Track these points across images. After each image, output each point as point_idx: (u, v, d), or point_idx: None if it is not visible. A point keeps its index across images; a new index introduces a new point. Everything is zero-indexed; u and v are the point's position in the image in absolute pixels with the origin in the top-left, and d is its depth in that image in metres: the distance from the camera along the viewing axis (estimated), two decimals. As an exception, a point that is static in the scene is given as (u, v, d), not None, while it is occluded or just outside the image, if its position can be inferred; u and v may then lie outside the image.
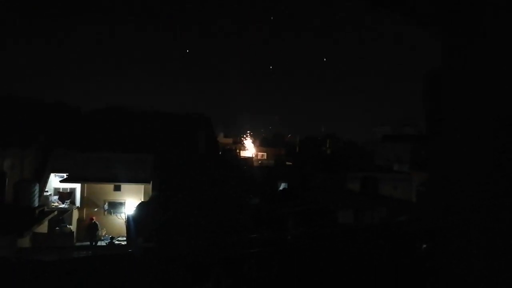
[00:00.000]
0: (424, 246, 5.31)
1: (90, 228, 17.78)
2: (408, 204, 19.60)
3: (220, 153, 32.75)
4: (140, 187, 19.47)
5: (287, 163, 35.60)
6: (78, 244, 17.54)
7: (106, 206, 19.27)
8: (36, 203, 16.34)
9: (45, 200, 18.53)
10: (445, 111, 1.86)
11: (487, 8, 1.62)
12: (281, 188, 26.46)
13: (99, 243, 17.46)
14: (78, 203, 19.44)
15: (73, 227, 18.47)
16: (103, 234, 18.27)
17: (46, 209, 17.47)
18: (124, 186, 19.39)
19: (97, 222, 17.91)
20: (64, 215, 18.44)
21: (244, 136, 58.00)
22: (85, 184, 19.36)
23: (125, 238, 16.78)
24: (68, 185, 19.78)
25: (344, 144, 38.24)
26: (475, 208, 1.65)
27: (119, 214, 19.07)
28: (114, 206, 19.30)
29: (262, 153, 52.57)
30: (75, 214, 19.06)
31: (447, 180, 1.81)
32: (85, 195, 19.43)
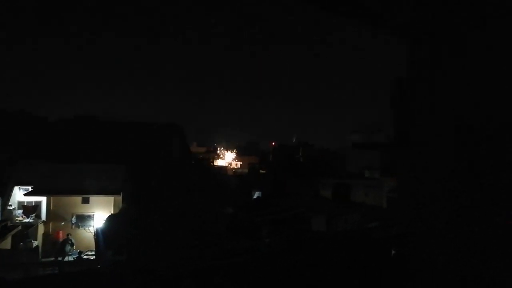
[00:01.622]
0: (394, 252, 5.39)
1: (62, 243, 17.14)
2: (379, 210, 19.99)
3: (193, 162, 32.38)
4: (110, 199, 18.92)
5: (261, 171, 35.65)
6: (44, 260, 16.81)
7: (74, 220, 18.59)
8: (-1, 218, 15.52)
9: (8, 214, 17.68)
10: (411, 119, 1.90)
11: (453, 21, 1.66)
12: (255, 196, 26.42)
13: (66, 259, 16.79)
14: (44, 217, 18.65)
15: (38, 242, 17.69)
16: (71, 249, 17.60)
17: (9, 224, 16.66)
18: (93, 198, 18.79)
19: (71, 239, 17.31)
20: (29, 230, 17.66)
21: (218, 145, 57.75)
22: (52, 197, 18.62)
23: (94, 252, 16.21)
24: (33, 198, 18.94)
25: (317, 151, 38.73)
26: (440, 213, 1.68)
27: (87, 228, 18.43)
28: (83, 219, 18.65)
29: (236, 162, 52.45)
30: (41, 229, 18.28)
31: (413, 186, 1.85)
32: (51, 208, 18.68)
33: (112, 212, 18.00)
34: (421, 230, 1.78)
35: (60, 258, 16.62)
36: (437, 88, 1.74)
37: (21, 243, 16.76)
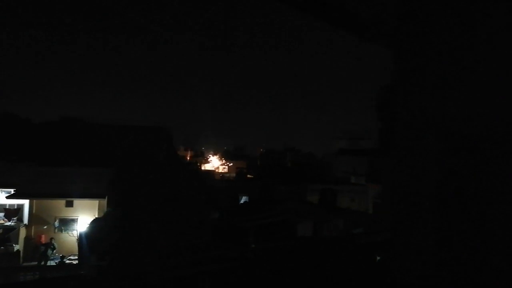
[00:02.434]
0: (378, 258, 5.44)
1: (45, 248, 16.81)
2: (364, 216, 20.16)
3: (180, 166, 32.16)
4: (95, 203, 18.64)
5: (248, 176, 35.62)
6: (25, 264, 16.44)
7: (57, 223, 18.25)
8: (-22, 222, 15.14)
9: (-11, 217, 17.28)
10: (395, 127, 1.93)
11: (437, 31, 1.70)
12: (242, 201, 26.38)
13: (48, 263, 16.46)
14: (26, 220, 18.27)
15: (20, 246, 17.31)
16: (52, 253, 17.27)
17: (-11, 227, 16.28)
18: (77, 202, 18.49)
19: (54, 243, 16.98)
20: (10, 233, 17.26)
21: (205, 149, 57.52)
22: (34, 200, 18.26)
23: (76, 257, 15.93)
24: (16, 201, 18.55)
25: (304, 156, 38.90)
26: (423, 220, 1.70)
27: (71, 232, 18.11)
28: (66, 223, 18.32)
29: (223, 166, 52.29)
30: (23, 232, 17.89)
31: (396, 193, 1.86)
32: (34, 211, 18.31)
33: (97, 216, 17.74)
34: (403, 236, 1.79)
35: (42, 263, 16.28)
36: (420, 97, 1.77)
37: (2, 247, 16.38)
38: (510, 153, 1.43)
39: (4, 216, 18.20)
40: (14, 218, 18.17)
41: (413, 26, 1.81)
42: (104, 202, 18.58)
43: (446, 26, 1.66)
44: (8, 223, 17.84)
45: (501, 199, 1.43)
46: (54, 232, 18.09)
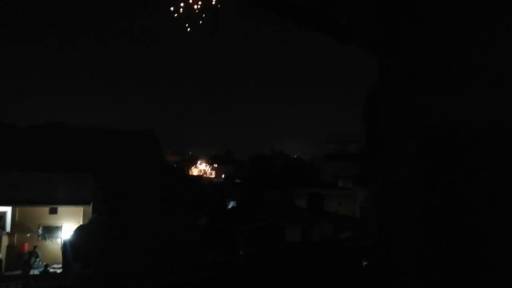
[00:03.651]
0: (365, 263, 5.46)
1: (28, 256, 16.42)
2: (352, 220, 20.27)
3: (167, 171, 31.91)
4: (80, 209, 18.31)
5: (236, 180, 35.53)
6: (7, 273, 16.02)
7: (40, 231, 17.86)
8: (-42, 230, 14.72)
9: (-31, 226, 16.82)
10: (380, 131, 1.93)
11: (419, 37, 1.71)
12: (230, 206, 26.28)
13: (31, 272, 16.08)
14: (8, 228, 17.82)
15: (2, 255, 16.87)
16: (36, 262, 16.88)
17: (-30, 236, 15.84)
18: (61, 209, 18.12)
19: (37, 251, 16.60)
20: (-8, 242, 16.81)
21: (193, 153, 57.23)
22: (17, 207, 17.85)
23: (61, 265, 15.61)
24: (-3, 209, 18.11)
25: (292, 161, 39.03)
26: (407, 225, 1.71)
27: (55, 239, 17.75)
28: (50, 230, 17.93)
29: (211, 171, 52.07)
30: (5, 241, 17.43)
31: (382, 197, 1.88)
32: (16, 219, 17.88)
33: (82, 223, 17.43)
34: (389, 239, 1.80)
35: (25, 272, 15.90)
36: (404, 102, 1.79)
37: (-17, 256, 15.95)
38: (491, 159, 1.45)
39: (-14, 224, 17.75)
40: (-4, 226, 17.73)
41: (397, 35, 1.83)
42: (89, 208, 18.27)
43: (430, 35, 1.68)
44: (-10, 231, 17.39)
45: (484, 204, 1.45)
46: (38, 240, 17.69)
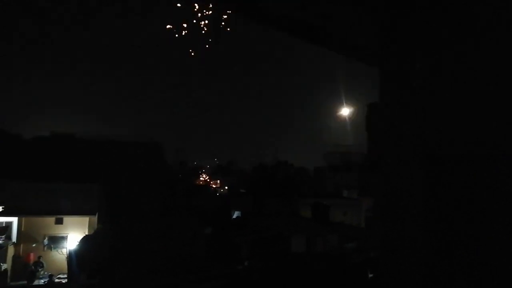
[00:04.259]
0: (371, 275, 5.44)
1: (33, 266, 16.47)
2: (357, 230, 20.13)
3: (171, 182, 31.98)
4: (85, 220, 18.36)
5: (241, 190, 35.47)
6: (13, 283, 16.05)
7: (46, 241, 17.90)
8: (-35, 240, 14.80)
9: (-24, 236, 16.88)
10: (383, 142, 1.96)
11: (419, 49, 1.74)
12: (234, 215, 26.21)
13: (36, 282, 16.09)
14: (14, 238, 17.90)
15: (8, 265, 16.91)
16: (41, 272, 16.90)
17: (-24, 246, 15.91)
18: (67, 219, 18.18)
19: (42, 261, 16.65)
20: (-2, 252, 16.87)
21: (197, 164, 57.25)
22: (23, 218, 17.94)
23: (66, 276, 15.61)
24: (4, 219, 18.18)
25: (296, 170, 38.94)
26: (411, 238, 1.73)
27: (60, 250, 17.78)
28: (55, 240, 17.97)
29: (215, 181, 52.03)
30: (11, 251, 17.48)
31: (385, 207, 1.88)
32: (22, 229, 17.95)
33: (87, 233, 17.46)
34: (392, 251, 1.82)
35: (30, 282, 15.92)
36: (405, 115, 1.79)
37: (-11, 266, 15.99)
38: (492, 172, 1.47)
39: (-8, 234, 17.84)
40: (2, 236, 17.76)
41: (397, 46, 1.86)
42: (95, 219, 18.32)
43: (432, 46, 1.71)
44: (-4, 242, 17.46)
45: (489, 214, 1.46)
46: (43, 250, 17.73)
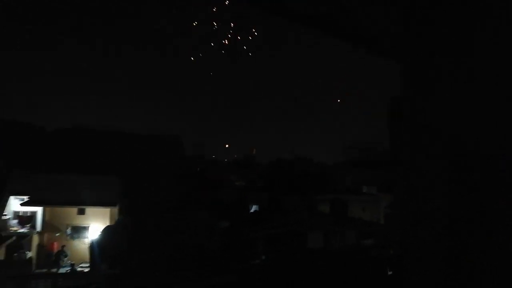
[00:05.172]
0: (390, 272, 5.37)
1: (57, 255, 17.00)
2: (376, 226, 19.88)
3: (190, 175, 32.30)
4: (106, 211, 18.79)
5: (259, 185, 35.50)
6: (37, 271, 16.60)
7: (69, 231, 18.43)
8: (-7, 228, 15.38)
9: (3, 224, 17.52)
10: (404, 142, 1.91)
11: (444, 42, 1.68)
12: (252, 210, 26.31)
13: (59, 271, 16.59)
14: (39, 227, 18.49)
15: (32, 253, 17.50)
16: (64, 260, 17.42)
17: (3, 234, 16.50)
18: (89, 210, 18.66)
19: (65, 251, 17.19)
20: (24, 240, 17.46)
21: (216, 158, 57.64)
22: (47, 208, 18.49)
23: (87, 265, 16.04)
24: (29, 209, 18.80)
25: (314, 166, 38.70)
26: (433, 238, 1.69)
27: (82, 239, 18.26)
28: (78, 230, 18.49)
29: (233, 175, 52.25)
30: (35, 240, 18.09)
31: (406, 207, 1.81)
32: (46, 219, 18.53)
33: (108, 224, 17.87)
34: (413, 253, 1.77)
35: (54, 270, 16.43)
36: (429, 109, 1.73)
37: (15, 254, 16.57)
38: None
39: (18, 223, 18.46)
40: (27, 225, 18.40)
41: (421, 39, 1.80)
42: (116, 210, 18.73)
43: (453, 36, 1.65)
44: (22, 230, 18.07)
45: (510, 217, 1.41)
46: (66, 240, 18.27)
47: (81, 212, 18.67)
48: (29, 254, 17.26)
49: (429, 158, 1.71)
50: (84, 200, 18.16)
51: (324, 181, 30.48)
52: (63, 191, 18.34)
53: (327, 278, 5.21)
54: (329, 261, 6.93)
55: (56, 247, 17.93)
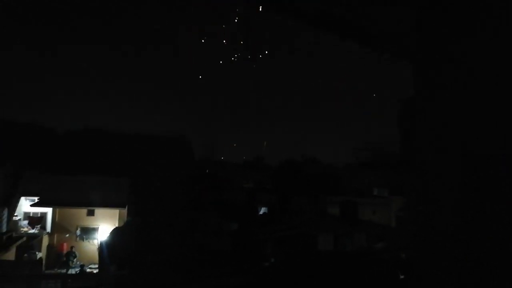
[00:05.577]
0: (402, 276, 5.22)
1: (66, 256, 17.13)
2: (386, 230, 19.66)
3: (199, 177, 32.37)
4: (115, 212, 18.88)
5: (267, 186, 35.42)
6: (47, 272, 16.72)
7: (78, 232, 18.55)
8: (4, 229, 15.54)
9: (14, 225, 17.70)
10: (417, 141, 1.85)
11: (458, 44, 1.63)
12: (261, 212, 26.24)
13: (69, 271, 16.70)
14: (49, 228, 18.64)
15: (42, 254, 17.64)
16: (73, 261, 17.53)
17: (14, 234, 16.66)
18: (98, 211, 18.77)
19: (75, 251, 17.31)
20: (34, 241, 17.62)
21: (225, 159, 57.80)
22: (57, 209, 18.64)
23: (97, 266, 16.10)
24: (39, 209, 18.98)
25: (324, 167, 38.48)
26: (446, 237, 1.63)
27: (92, 240, 18.36)
28: (87, 231, 18.60)
29: (242, 177, 52.34)
30: (45, 240, 18.25)
31: (418, 208, 1.79)
32: (56, 220, 18.68)
33: (117, 225, 17.94)
34: (425, 253, 1.73)
35: (63, 271, 16.54)
36: (442, 112, 1.68)
37: (25, 254, 16.71)
38: None
39: (28, 223, 18.63)
40: (38, 226, 18.57)
41: (435, 40, 1.75)
42: (125, 211, 18.80)
43: (467, 37, 1.59)
44: (32, 231, 18.24)
45: None
46: (76, 241, 18.39)
47: (91, 213, 18.79)
48: (39, 254, 17.40)
49: (442, 159, 1.66)
50: (93, 201, 18.27)
51: (334, 183, 30.28)
52: (73, 192, 18.49)
53: (337, 281, 5.08)
54: (339, 264, 6.79)
55: (65, 248, 18.07)
